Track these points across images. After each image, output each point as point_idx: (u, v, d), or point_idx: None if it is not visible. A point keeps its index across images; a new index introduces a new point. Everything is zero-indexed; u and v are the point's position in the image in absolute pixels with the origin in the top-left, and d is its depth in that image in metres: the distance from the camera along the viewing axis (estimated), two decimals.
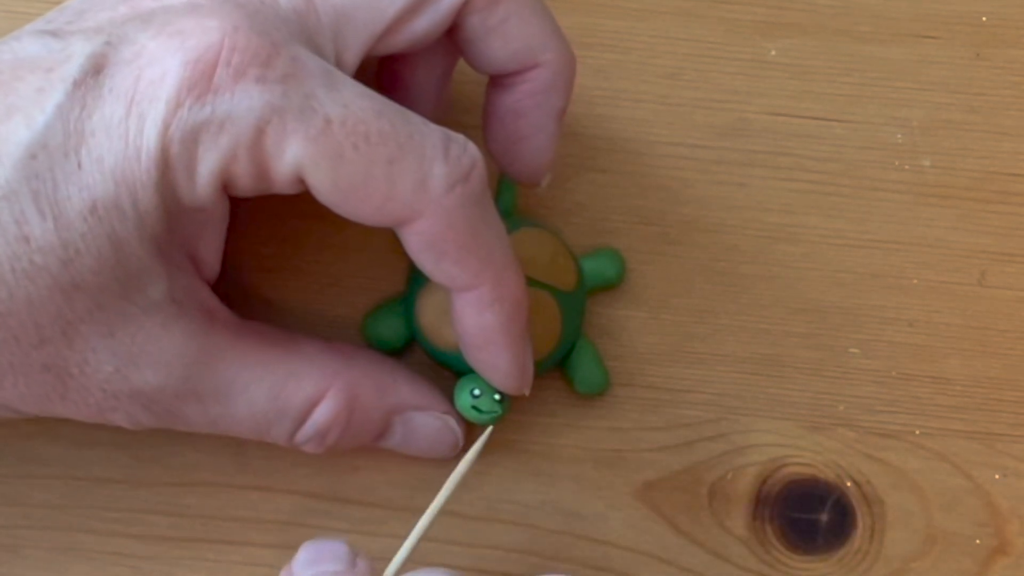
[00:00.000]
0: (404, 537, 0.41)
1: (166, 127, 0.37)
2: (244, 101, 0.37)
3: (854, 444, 0.48)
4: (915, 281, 0.49)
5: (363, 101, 0.38)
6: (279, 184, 0.39)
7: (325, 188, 0.38)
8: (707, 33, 0.51)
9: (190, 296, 0.41)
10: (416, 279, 0.46)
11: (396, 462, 0.47)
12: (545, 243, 0.47)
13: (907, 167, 0.50)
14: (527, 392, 0.44)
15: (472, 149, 0.39)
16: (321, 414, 0.43)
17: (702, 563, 0.47)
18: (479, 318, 0.41)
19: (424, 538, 0.41)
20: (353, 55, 0.41)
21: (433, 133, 0.39)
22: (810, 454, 0.48)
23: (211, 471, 0.47)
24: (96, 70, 0.37)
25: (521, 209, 0.49)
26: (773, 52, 0.51)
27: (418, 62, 0.45)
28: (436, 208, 0.39)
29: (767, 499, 0.47)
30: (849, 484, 0.48)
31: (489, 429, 0.44)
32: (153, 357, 0.40)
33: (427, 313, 0.46)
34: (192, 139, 0.37)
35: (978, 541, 0.48)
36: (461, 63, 0.45)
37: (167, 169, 0.37)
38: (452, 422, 0.45)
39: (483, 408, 0.44)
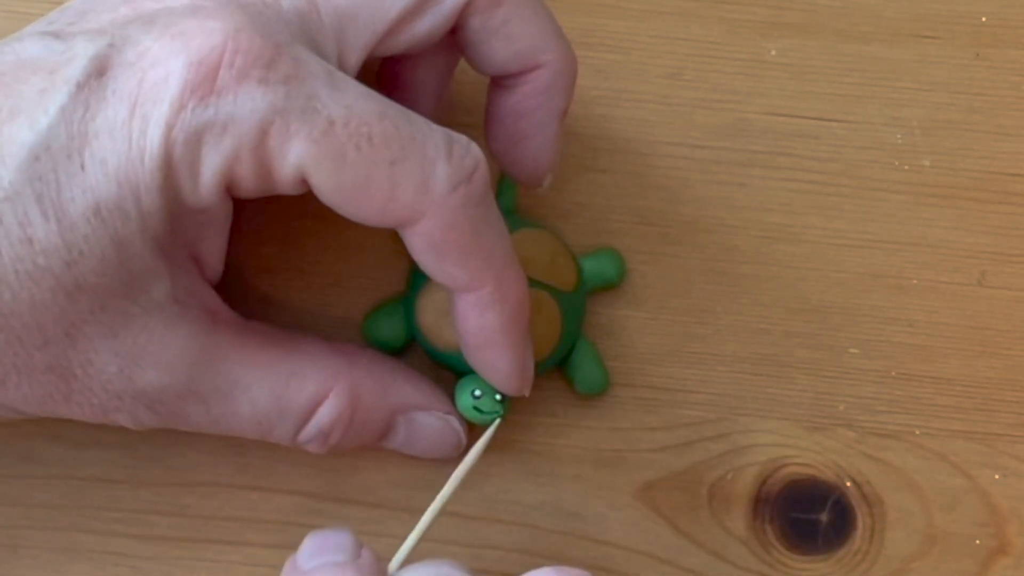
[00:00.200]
0: (404, 537, 0.41)
1: (169, 129, 0.37)
2: (247, 103, 0.37)
3: (854, 444, 0.48)
4: (915, 281, 0.49)
5: (366, 102, 0.38)
6: (282, 185, 0.39)
7: (328, 189, 0.38)
8: (707, 33, 0.51)
9: (193, 296, 0.41)
10: (416, 279, 0.46)
11: (396, 462, 0.47)
12: (545, 243, 0.47)
13: (907, 167, 0.50)
14: (527, 393, 0.44)
15: (475, 150, 0.40)
16: (324, 414, 0.43)
17: (702, 563, 0.47)
18: (480, 319, 0.41)
19: (424, 538, 0.41)
20: (355, 56, 0.41)
21: (436, 134, 0.39)
22: (810, 454, 0.48)
23: (211, 471, 0.47)
24: (99, 72, 0.37)
25: (521, 209, 0.49)
26: (773, 52, 0.51)
27: (419, 63, 0.45)
28: (439, 209, 0.39)
29: (767, 499, 0.48)
30: (849, 484, 0.48)
31: (498, 421, 0.44)
32: (156, 357, 0.40)
33: (427, 313, 0.45)
34: (195, 140, 0.37)
35: (978, 541, 0.48)
36: (462, 63, 0.45)
37: (170, 170, 0.37)
38: (455, 422, 0.45)
39: (484, 409, 0.44)
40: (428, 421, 0.45)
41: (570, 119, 0.46)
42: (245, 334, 0.42)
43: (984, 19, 0.51)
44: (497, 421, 0.44)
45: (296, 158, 0.38)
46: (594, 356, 0.48)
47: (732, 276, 0.49)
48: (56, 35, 0.39)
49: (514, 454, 0.47)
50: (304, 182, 0.38)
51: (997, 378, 0.49)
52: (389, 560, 0.40)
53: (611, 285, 0.49)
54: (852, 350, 0.49)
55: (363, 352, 0.45)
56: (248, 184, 0.38)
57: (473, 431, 0.45)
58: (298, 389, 0.42)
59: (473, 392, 0.44)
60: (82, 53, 0.38)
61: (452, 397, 0.45)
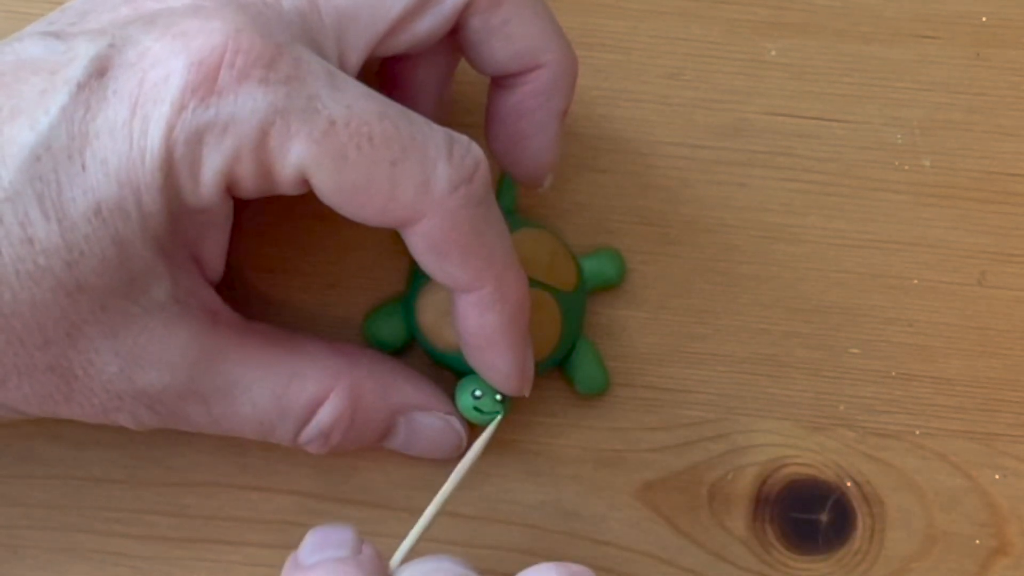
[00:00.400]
0: (404, 537, 0.41)
1: (170, 129, 0.37)
2: (248, 103, 0.37)
3: (854, 444, 0.48)
4: (915, 281, 0.49)
5: (366, 102, 0.38)
6: (283, 185, 0.39)
7: (328, 189, 0.38)
8: (707, 33, 0.51)
9: (193, 297, 0.41)
10: (416, 279, 0.46)
11: (396, 462, 0.47)
12: (545, 243, 0.47)
13: (907, 167, 0.50)
14: (527, 393, 0.44)
15: (476, 150, 0.39)
16: (325, 414, 0.43)
17: (702, 563, 0.47)
18: (481, 319, 0.41)
19: (424, 538, 0.41)
20: (356, 56, 0.41)
21: (437, 134, 0.39)
22: (810, 454, 0.48)
23: (211, 471, 0.47)
24: (100, 72, 0.37)
25: (521, 209, 0.49)
26: (773, 52, 0.51)
27: (420, 63, 0.45)
28: (439, 209, 0.39)
29: (767, 499, 0.48)
30: (849, 484, 0.48)
31: (499, 418, 0.44)
32: (157, 357, 0.40)
33: (427, 313, 0.45)
34: (196, 141, 0.37)
35: (978, 541, 0.48)
36: (463, 63, 0.45)
37: (171, 171, 0.37)
38: (455, 422, 0.45)
39: (485, 409, 0.44)
40: (429, 421, 0.45)
41: (570, 119, 0.46)
42: (246, 334, 0.42)
43: (984, 19, 0.51)
44: (498, 418, 0.44)
45: (297, 158, 0.38)
46: (594, 356, 0.48)
47: (732, 276, 0.49)
48: (57, 35, 0.39)
49: (514, 454, 0.47)
50: (305, 182, 0.38)
51: (997, 378, 0.49)
52: (389, 559, 0.41)
53: (611, 285, 0.49)
54: (852, 350, 0.49)
55: (364, 352, 0.45)
56: (249, 184, 0.38)
57: (473, 431, 0.45)
58: (299, 389, 0.42)
59: (473, 392, 0.44)
60: (83, 53, 0.38)
61: (452, 397, 0.45)
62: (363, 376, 0.43)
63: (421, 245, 0.40)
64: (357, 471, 0.47)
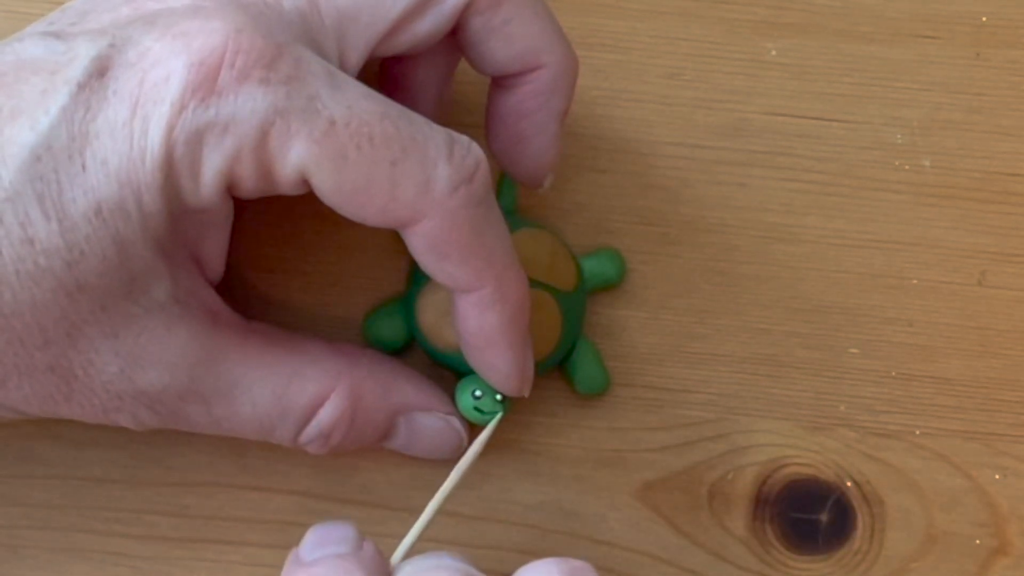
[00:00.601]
0: (404, 536, 0.41)
1: (170, 129, 0.37)
2: (248, 103, 0.37)
3: (854, 444, 0.48)
4: (915, 281, 0.49)
5: (367, 102, 0.38)
6: (283, 185, 0.39)
7: (329, 189, 0.38)
8: (707, 33, 0.51)
9: (194, 297, 0.41)
10: (416, 279, 0.46)
11: (396, 462, 0.47)
12: (545, 243, 0.47)
13: (907, 167, 0.50)
14: (527, 393, 0.44)
15: (476, 150, 0.39)
16: (325, 414, 0.43)
17: (702, 563, 0.47)
18: (481, 319, 0.41)
19: (425, 538, 0.41)
20: (356, 56, 0.41)
21: (437, 134, 0.39)
22: (810, 454, 0.48)
23: (211, 471, 0.47)
24: (100, 72, 0.37)
25: (521, 209, 0.49)
26: (773, 52, 0.51)
27: (420, 63, 0.45)
28: (439, 210, 0.39)
29: (767, 499, 0.48)
30: (849, 484, 0.48)
31: (499, 416, 0.44)
32: (157, 358, 0.40)
33: (427, 313, 0.45)
34: (196, 141, 0.37)
35: (978, 541, 0.48)
36: (463, 63, 0.45)
37: (171, 171, 0.37)
38: (456, 423, 0.45)
39: (485, 409, 0.44)
40: (429, 422, 0.45)
41: (570, 119, 0.46)
42: (246, 334, 0.42)
43: (984, 19, 0.51)
44: (498, 417, 0.44)
45: (297, 158, 0.38)
46: (594, 356, 0.48)
47: (732, 276, 0.49)
48: (57, 35, 0.39)
49: (514, 454, 0.48)
50: (305, 182, 0.38)
51: (997, 378, 0.49)
52: (389, 558, 0.41)
53: (611, 285, 0.49)
54: (852, 350, 0.49)
55: (364, 353, 0.45)
56: (249, 184, 0.38)
57: (473, 431, 0.45)
58: (299, 390, 0.42)
59: (473, 392, 0.44)
60: (83, 53, 0.38)
61: (452, 397, 0.45)
62: (363, 376, 0.43)
63: (421, 245, 0.40)
64: (357, 471, 0.47)
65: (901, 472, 0.48)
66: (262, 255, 0.48)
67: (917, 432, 0.48)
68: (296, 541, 0.40)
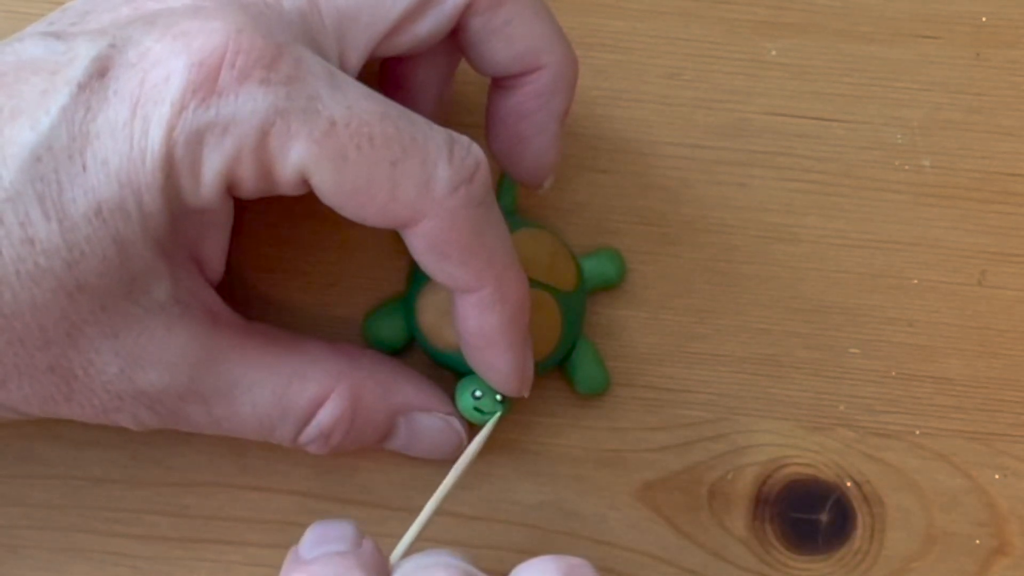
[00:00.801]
0: (403, 536, 0.41)
1: (171, 129, 0.37)
2: (248, 103, 0.37)
3: (854, 444, 0.48)
4: (915, 281, 0.49)
5: (367, 103, 0.38)
6: (283, 186, 0.39)
7: (329, 190, 0.38)
8: (707, 33, 0.51)
9: (194, 297, 0.41)
10: (416, 279, 0.46)
11: (396, 462, 0.47)
12: (545, 243, 0.47)
13: (907, 167, 0.50)
14: (527, 394, 0.44)
15: (476, 150, 0.39)
16: (325, 415, 0.43)
17: (702, 563, 0.47)
18: (481, 319, 0.41)
19: (425, 539, 0.41)
20: (356, 57, 0.41)
21: (437, 135, 0.39)
22: (810, 454, 0.48)
23: (211, 471, 0.47)
24: (100, 72, 0.37)
25: (521, 209, 0.49)
26: (773, 52, 0.51)
27: (420, 63, 0.45)
28: (440, 210, 0.39)
29: (767, 499, 0.48)
30: (849, 484, 0.48)
31: (499, 414, 0.44)
32: (157, 358, 0.40)
33: (427, 313, 0.45)
34: (196, 141, 0.37)
35: (978, 541, 0.48)
36: (463, 64, 0.45)
37: (171, 171, 0.37)
38: (456, 423, 0.45)
39: (485, 409, 0.44)
40: (429, 422, 0.45)
41: (570, 119, 0.45)
42: (246, 335, 0.42)
43: (984, 19, 0.51)
44: (497, 416, 0.44)
45: (297, 158, 0.38)
46: (594, 356, 0.48)
47: (732, 276, 0.49)
48: (57, 36, 0.39)
49: (514, 454, 0.48)
50: (305, 183, 0.38)
51: (997, 378, 0.49)
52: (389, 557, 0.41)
53: (611, 285, 0.49)
54: (852, 350, 0.49)
55: (364, 353, 0.45)
56: (249, 185, 0.38)
57: (473, 432, 0.45)
58: (299, 390, 0.42)
59: (474, 393, 0.44)
60: (83, 54, 0.38)
61: (452, 397, 0.45)
62: (364, 377, 0.43)
63: (421, 245, 0.40)
64: (357, 471, 0.47)
65: (901, 472, 0.48)
66: (262, 255, 0.48)
67: (917, 432, 0.48)
68: (296, 541, 0.40)
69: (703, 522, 0.47)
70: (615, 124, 0.50)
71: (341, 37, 0.40)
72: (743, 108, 0.50)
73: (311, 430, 0.43)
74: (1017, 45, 0.51)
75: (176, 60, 0.37)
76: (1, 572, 0.46)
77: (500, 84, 0.44)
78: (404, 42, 0.42)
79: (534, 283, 0.44)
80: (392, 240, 0.47)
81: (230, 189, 0.39)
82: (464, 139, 0.39)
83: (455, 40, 0.43)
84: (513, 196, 0.48)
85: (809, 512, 0.48)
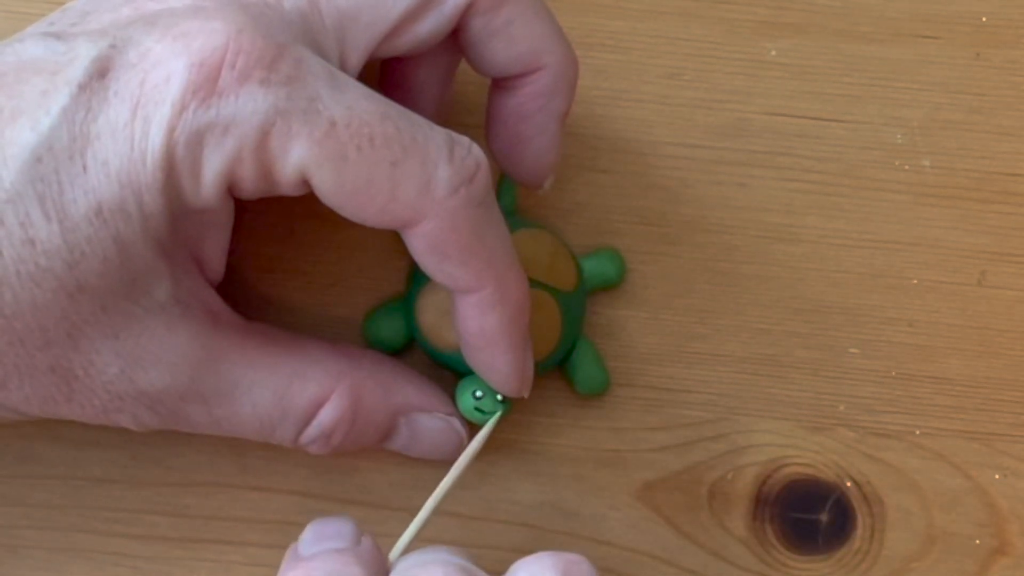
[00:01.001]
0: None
1: (171, 130, 0.37)
2: (248, 104, 0.37)
3: (854, 444, 0.48)
4: (915, 281, 0.49)
5: (367, 103, 0.38)
6: (283, 186, 0.39)
7: (329, 190, 0.38)
8: (707, 33, 0.51)
9: (194, 297, 0.41)
10: (416, 279, 0.46)
11: (396, 462, 0.47)
12: (545, 243, 0.47)
13: (907, 167, 0.50)
14: (527, 394, 0.44)
15: (476, 151, 0.39)
16: (326, 415, 0.43)
17: (702, 563, 0.47)
18: (481, 320, 0.41)
19: (425, 539, 0.41)
20: (357, 57, 0.41)
21: (437, 135, 0.39)
22: (810, 454, 0.48)
23: (211, 471, 0.47)
24: (101, 73, 0.37)
25: (521, 209, 0.49)
26: (773, 52, 0.51)
27: (421, 63, 0.45)
28: (440, 210, 0.39)
29: (767, 499, 0.48)
30: (849, 484, 0.48)
31: (499, 414, 0.44)
32: (158, 358, 0.40)
33: (427, 314, 0.45)
34: (197, 142, 0.37)
35: (978, 541, 0.48)
36: (463, 64, 0.45)
37: (172, 172, 0.37)
38: (457, 423, 0.45)
39: (485, 409, 0.44)
40: (430, 423, 0.45)
41: (570, 119, 0.45)
42: (247, 335, 0.42)
43: (984, 19, 0.51)
44: (497, 415, 0.44)
45: (297, 159, 0.38)
46: (594, 356, 0.48)
47: (732, 276, 0.49)
48: (58, 36, 0.39)
49: (514, 454, 0.48)
50: (305, 183, 0.38)
51: (997, 378, 0.49)
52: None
53: (611, 285, 0.49)
54: (852, 350, 0.49)
55: (365, 354, 0.45)
56: (249, 185, 0.38)
57: (473, 432, 0.45)
58: (300, 390, 0.42)
59: (474, 393, 0.44)
60: (84, 54, 0.38)
61: (452, 398, 0.45)
62: (365, 377, 0.43)
63: (421, 246, 0.40)
64: (357, 471, 0.47)
65: (901, 472, 0.48)
66: (262, 255, 0.48)
67: (917, 432, 0.48)
68: (296, 541, 0.40)
69: (703, 522, 0.47)
70: (615, 124, 0.50)
71: (341, 37, 0.40)
72: (743, 108, 0.50)
73: (312, 430, 0.43)
74: (1017, 45, 0.51)
75: (176, 61, 0.37)
76: (1, 572, 0.46)
77: (500, 85, 0.44)
78: (404, 42, 0.42)
79: (534, 283, 0.44)
80: (392, 240, 0.47)
81: (230, 189, 0.39)
82: (464, 139, 0.39)
83: (455, 40, 0.43)
84: (513, 196, 0.48)
85: (809, 512, 0.48)
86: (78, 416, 0.41)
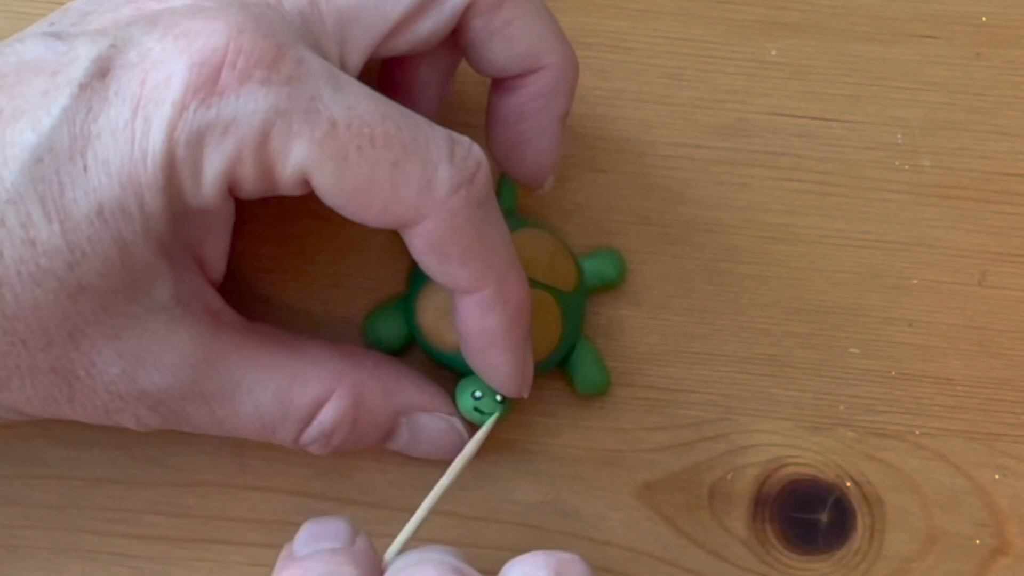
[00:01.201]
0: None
1: (172, 130, 0.37)
2: (249, 103, 0.37)
3: (854, 444, 0.48)
4: (915, 281, 0.49)
5: (368, 103, 0.38)
6: (284, 186, 0.39)
7: (330, 190, 0.38)
8: (707, 33, 0.51)
9: (195, 297, 0.41)
10: (416, 279, 0.46)
11: (396, 462, 0.47)
12: (545, 243, 0.47)
13: (907, 167, 0.50)
14: (526, 395, 0.44)
15: (477, 151, 0.40)
16: (327, 415, 0.43)
17: (702, 563, 0.47)
18: (482, 320, 0.41)
19: (425, 539, 0.41)
20: (357, 57, 0.41)
21: (438, 135, 0.39)
22: (810, 454, 0.48)
23: (211, 471, 0.47)
24: (101, 73, 0.37)
25: (521, 209, 0.49)
26: (773, 52, 0.51)
27: (421, 63, 0.45)
28: (440, 210, 0.39)
29: (767, 499, 0.48)
30: (849, 484, 0.48)
31: (496, 415, 0.44)
32: (159, 358, 0.40)
33: (427, 314, 0.45)
34: (198, 142, 0.37)
35: (978, 541, 0.48)
36: (463, 64, 0.45)
37: (173, 172, 0.37)
38: (457, 423, 0.45)
39: (485, 409, 0.44)
40: (431, 423, 0.45)
41: (571, 119, 0.46)
42: (248, 335, 0.42)
43: (984, 19, 0.51)
44: (495, 416, 0.44)
45: (298, 159, 0.38)
46: (594, 356, 0.48)
47: (732, 276, 0.49)
48: (58, 36, 0.39)
49: (514, 454, 0.47)
50: (306, 183, 0.38)
51: (997, 378, 0.49)
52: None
53: (611, 285, 0.49)
54: (852, 350, 0.49)
55: (366, 354, 0.45)
56: (250, 185, 0.38)
57: (473, 432, 0.45)
58: (301, 391, 0.42)
59: (474, 393, 0.44)
60: (84, 54, 0.38)
61: (452, 398, 0.45)
62: (366, 377, 0.43)
63: (422, 246, 0.40)
64: (357, 471, 0.47)
65: (901, 472, 0.48)
66: (262, 255, 0.48)
67: (917, 432, 0.48)
68: None
69: (703, 522, 0.47)
70: (615, 124, 0.50)
71: (342, 37, 0.40)
72: (743, 108, 0.50)
73: (313, 431, 0.43)
74: (1017, 45, 0.51)
75: (177, 60, 0.37)
76: (1, 572, 0.46)
77: (501, 85, 0.44)
78: (405, 43, 0.42)
79: (534, 283, 0.44)
80: (392, 240, 0.47)
81: (231, 189, 0.39)
82: (465, 139, 0.39)
83: (456, 41, 0.43)
84: (513, 196, 0.48)
85: (809, 512, 0.48)
86: (79, 416, 0.41)
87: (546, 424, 0.48)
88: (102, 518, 0.46)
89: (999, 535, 0.48)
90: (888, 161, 0.50)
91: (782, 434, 0.48)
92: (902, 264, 0.49)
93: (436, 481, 0.42)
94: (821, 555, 0.47)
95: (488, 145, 0.45)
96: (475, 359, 0.43)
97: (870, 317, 0.49)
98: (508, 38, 0.42)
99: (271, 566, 0.44)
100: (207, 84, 0.37)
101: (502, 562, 0.39)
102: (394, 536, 0.41)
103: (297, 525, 0.41)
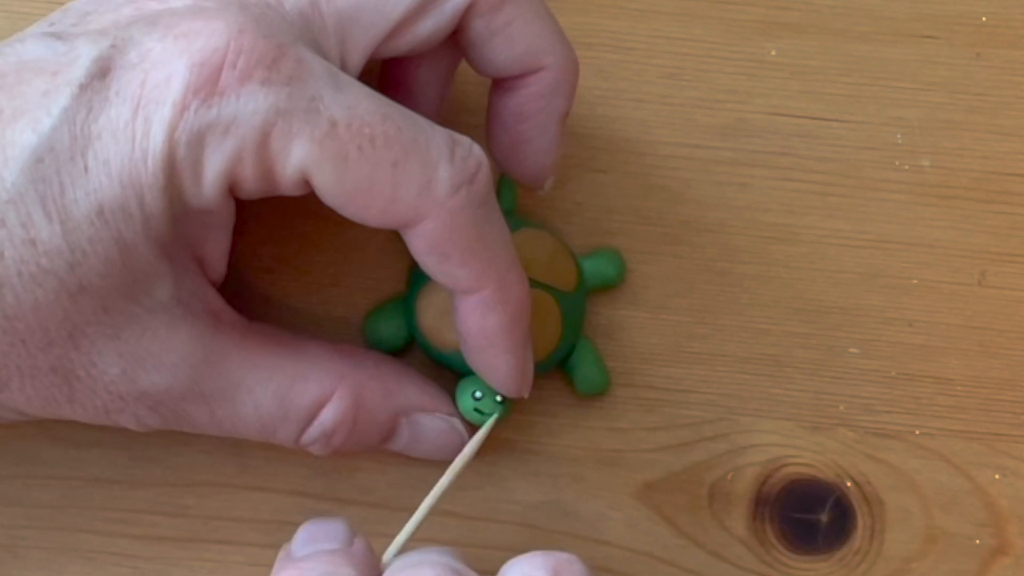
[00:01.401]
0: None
1: (172, 130, 0.37)
2: (249, 104, 0.37)
3: (854, 444, 0.48)
4: (915, 281, 0.49)
5: (368, 103, 0.38)
6: (284, 186, 0.39)
7: (330, 190, 0.38)
8: (707, 33, 0.51)
9: (196, 298, 0.41)
10: (416, 279, 0.46)
11: (396, 462, 0.47)
12: (545, 243, 0.47)
13: (907, 167, 0.50)
14: (527, 395, 0.44)
15: (477, 151, 0.40)
16: (327, 415, 0.43)
17: (702, 563, 0.47)
18: (482, 320, 0.41)
19: (424, 539, 0.41)
20: (358, 57, 0.41)
21: (438, 135, 0.39)
22: (810, 454, 0.48)
23: (211, 471, 0.47)
24: (102, 73, 0.37)
25: (521, 209, 0.49)
26: (773, 52, 0.51)
27: (421, 64, 0.45)
28: (441, 211, 0.39)
29: (767, 499, 0.48)
30: (849, 484, 0.48)
31: (496, 415, 0.44)
32: (159, 359, 0.40)
33: (427, 314, 0.45)
34: (198, 142, 0.37)
35: (978, 541, 0.48)
36: (463, 64, 0.45)
37: (173, 172, 0.37)
38: (458, 424, 0.45)
39: (485, 410, 0.44)
40: (431, 423, 0.45)
41: (570, 119, 0.45)
42: (248, 335, 0.42)
43: (984, 19, 0.51)
44: (495, 416, 0.44)
45: (298, 159, 0.38)
46: (594, 356, 0.48)
47: (732, 276, 0.49)
48: (58, 36, 0.39)
49: (514, 454, 0.47)
50: (306, 183, 0.38)
51: (997, 378, 0.49)
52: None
53: (611, 285, 0.49)
54: (852, 350, 0.49)
55: (367, 354, 0.45)
56: (251, 185, 0.38)
57: (473, 432, 0.45)
58: (302, 391, 0.42)
59: (474, 393, 0.44)
60: (85, 54, 0.38)
61: (452, 398, 0.45)
62: (366, 378, 0.43)
63: (422, 246, 0.40)
64: (357, 471, 0.47)
65: (901, 472, 0.48)
66: (262, 255, 0.48)
67: (917, 432, 0.48)
68: None
69: (703, 522, 0.47)
70: (615, 124, 0.50)
71: (342, 38, 0.40)
72: (743, 108, 0.50)
73: (313, 431, 0.43)
74: (1017, 45, 0.51)
75: (178, 61, 0.37)
76: (1, 572, 0.46)
77: (501, 85, 0.44)
78: (405, 43, 0.42)
79: (534, 283, 0.44)
80: (392, 240, 0.47)
81: (232, 189, 0.39)
82: (465, 140, 0.39)
83: (456, 41, 0.43)
84: (513, 196, 0.48)
85: (809, 512, 0.48)
86: (80, 417, 0.41)
87: (546, 424, 0.48)
88: (102, 518, 0.46)
89: (999, 535, 0.48)
90: (888, 161, 0.50)
91: (782, 434, 0.48)
92: (902, 264, 0.49)
93: (436, 481, 0.42)
94: (821, 555, 0.47)
95: (488, 145, 0.45)
96: (475, 359, 0.43)
97: (870, 317, 0.49)
98: (508, 38, 0.42)
99: (271, 566, 0.44)
100: (207, 84, 0.37)
101: (502, 562, 0.39)
102: (394, 536, 0.41)
103: (296, 525, 0.41)
